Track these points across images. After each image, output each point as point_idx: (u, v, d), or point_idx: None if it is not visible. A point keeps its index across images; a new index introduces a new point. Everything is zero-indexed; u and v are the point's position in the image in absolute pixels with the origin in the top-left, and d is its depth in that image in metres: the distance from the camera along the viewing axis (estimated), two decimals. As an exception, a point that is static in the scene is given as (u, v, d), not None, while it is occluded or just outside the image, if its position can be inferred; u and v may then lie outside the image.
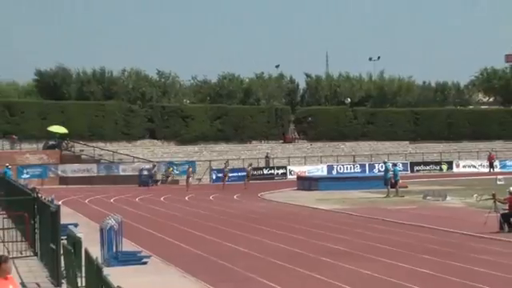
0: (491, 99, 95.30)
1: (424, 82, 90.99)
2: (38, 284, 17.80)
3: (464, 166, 71.81)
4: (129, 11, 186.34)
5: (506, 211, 26.65)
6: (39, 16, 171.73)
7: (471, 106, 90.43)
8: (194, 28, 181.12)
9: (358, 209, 36.76)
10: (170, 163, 63.75)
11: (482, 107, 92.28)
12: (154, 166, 62.67)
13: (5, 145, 64.10)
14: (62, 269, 17.27)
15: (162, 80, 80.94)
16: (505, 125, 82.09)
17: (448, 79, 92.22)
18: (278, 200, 43.78)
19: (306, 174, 62.14)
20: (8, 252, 22.07)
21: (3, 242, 23.04)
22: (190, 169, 56.88)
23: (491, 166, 69.46)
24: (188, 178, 54.52)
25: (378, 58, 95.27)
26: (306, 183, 53.29)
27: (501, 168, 69.87)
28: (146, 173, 61.19)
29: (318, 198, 43.53)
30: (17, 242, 22.95)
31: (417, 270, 18.83)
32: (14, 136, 64.42)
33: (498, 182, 48.58)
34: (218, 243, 25.06)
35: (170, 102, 77.30)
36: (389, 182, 45.71)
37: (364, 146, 75.88)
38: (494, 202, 28.60)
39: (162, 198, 45.15)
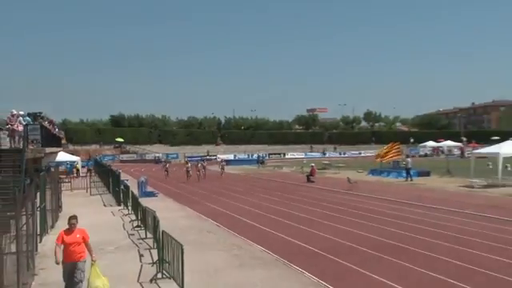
0: (302, 127, 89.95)
1: (274, 120, 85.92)
2: (110, 205, 17.62)
3: (292, 155, 71.48)
4: (147, 75, 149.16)
5: (308, 174, 26.46)
6: (110, 75, 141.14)
7: (292, 130, 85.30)
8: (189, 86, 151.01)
9: (247, 173, 36.11)
10: (167, 156, 61.13)
11: (297, 131, 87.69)
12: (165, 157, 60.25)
13: (96, 147, 64.39)
14: (121, 198, 17.11)
15: (165, 118, 80.00)
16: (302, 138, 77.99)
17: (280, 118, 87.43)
18: (215, 169, 40.98)
19: (225, 159, 58.92)
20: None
21: (97, 187, 23.06)
22: (188, 164, 32.36)
23: (324, 154, 65.47)
24: (187, 171, 30.49)
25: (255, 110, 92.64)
26: (225, 163, 51.12)
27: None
28: (158, 158, 60.67)
29: (231, 168, 41.76)
30: (102, 187, 23.48)
31: (271, 198, 18.56)
32: (101, 142, 65.21)
33: (304, 162, 47.95)
34: (191, 189, 23.64)
35: (166, 128, 75.79)
36: (260, 161, 47.41)
37: (251, 147, 75.02)
38: (302, 169, 29.38)
39: (165, 169, 39.02)
